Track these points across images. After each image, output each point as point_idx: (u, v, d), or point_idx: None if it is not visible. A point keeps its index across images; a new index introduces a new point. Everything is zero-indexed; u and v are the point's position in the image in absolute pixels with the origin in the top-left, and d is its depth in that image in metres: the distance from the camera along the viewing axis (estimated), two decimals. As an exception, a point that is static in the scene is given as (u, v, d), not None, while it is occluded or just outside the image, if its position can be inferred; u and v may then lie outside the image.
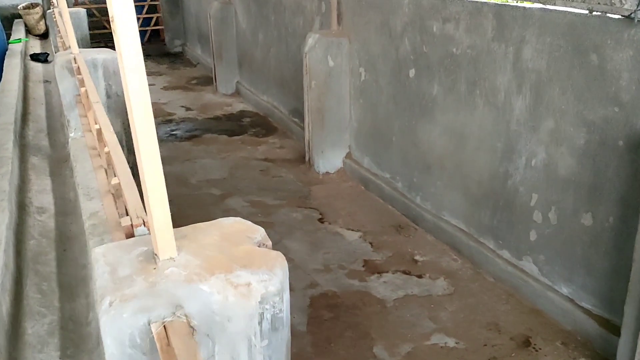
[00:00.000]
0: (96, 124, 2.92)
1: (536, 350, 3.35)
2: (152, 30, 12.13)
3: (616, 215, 3.12)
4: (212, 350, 1.53)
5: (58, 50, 6.98)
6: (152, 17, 12.01)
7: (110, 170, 2.58)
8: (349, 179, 5.77)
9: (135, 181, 2.21)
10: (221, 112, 8.16)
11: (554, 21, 3.29)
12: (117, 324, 1.42)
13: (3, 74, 6.56)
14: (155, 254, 1.61)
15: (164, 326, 1.42)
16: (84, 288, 3.06)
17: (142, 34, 12.11)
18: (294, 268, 4.23)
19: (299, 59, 6.64)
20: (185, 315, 1.46)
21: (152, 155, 1.47)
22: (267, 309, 1.56)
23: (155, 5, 11.94)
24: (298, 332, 3.52)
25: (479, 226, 4.16)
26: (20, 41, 8.28)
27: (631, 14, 2.83)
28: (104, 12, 11.68)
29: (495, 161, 3.91)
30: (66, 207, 4.05)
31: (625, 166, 3.03)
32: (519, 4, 3.55)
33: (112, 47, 11.69)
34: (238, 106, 8.41)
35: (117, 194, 2.19)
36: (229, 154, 6.57)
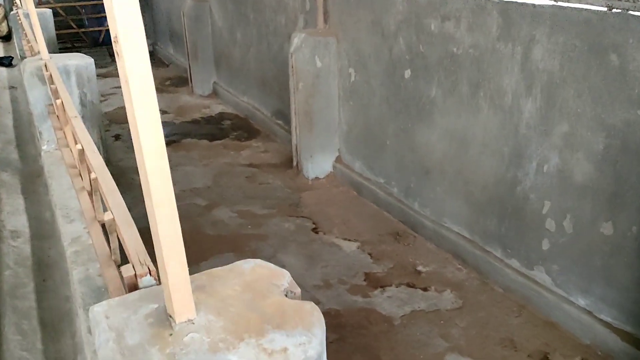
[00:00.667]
0: (76, 143, 2.61)
1: (556, 367, 3.18)
2: (121, 29, 11.67)
3: None
4: None
5: (23, 54, 6.56)
6: (121, 16, 11.53)
7: (96, 196, 2.28)
8: (339, 184, 5.53)
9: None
10: (199, 115, 7.83)
11: (568, 19, 3.09)
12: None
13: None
14: (170, 316, 1.34)
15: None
16: (68, 325, 2.76)
17: (106, 32, 11.64)
18: (292, 285, 3.98)
19: (281, 59, 6.36)
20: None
21: (167, 202, 1.21)
22: (307, 380, 1.31)
23: (124, 3, 11.47)
24: (303, 358, 3.27)
25: (484, 234, 3.96)
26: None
27: (656, 11, 2.65)
28: (69, 11, 11.18)
29: (501, 166, 3.72)
30: (42, 229, 3.72)
31: (648, 172, 2.86)
32: (527, 1, 3.35)
33: (79, 47, 11.22)
34: (217, 108, 8.08)
35: (110, 229, 1.91)
36: (212, 160, 6.27)
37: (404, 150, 4.66)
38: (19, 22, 6.74)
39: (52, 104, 3.96)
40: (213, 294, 1.44)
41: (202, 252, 4.34)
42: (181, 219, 1.26)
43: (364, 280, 4.04)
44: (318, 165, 5.58)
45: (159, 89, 9.21)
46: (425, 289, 3.90)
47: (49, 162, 4.10)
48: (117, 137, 6.95)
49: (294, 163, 5.74)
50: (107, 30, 11.53)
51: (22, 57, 6.69)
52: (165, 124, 7.53)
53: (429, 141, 4.35)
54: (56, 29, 8.85)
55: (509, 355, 3.28)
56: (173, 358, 1.25)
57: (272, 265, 1.61)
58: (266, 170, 5.97)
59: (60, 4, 11.01)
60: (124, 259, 2.09)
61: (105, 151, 4.89)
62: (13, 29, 8.37)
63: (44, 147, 4.32)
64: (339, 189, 5.47)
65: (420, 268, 4.14)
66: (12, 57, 7.84)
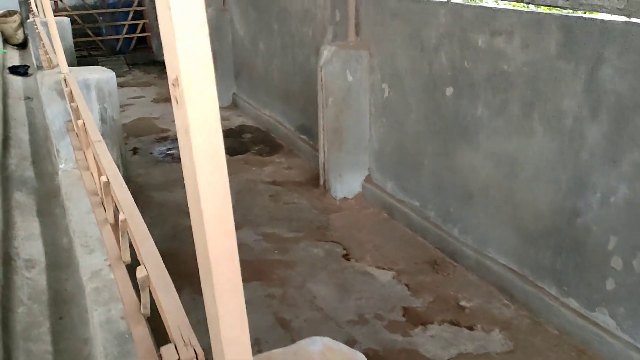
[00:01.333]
0: (99, 171, 2.33)
1: None
2: (138, 37, 11.48)
3: None
4: None
5: (40, 64, 6.33)
6: (138, 24, 11.35)
7: (124, 238, 2.00)
8: (369, 205, 5.22)
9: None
10: (219, 128, 7.55)
11: (644, 37, 2.78)
12: None
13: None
14: None
15: None
16: (88, 375, 2.47)
17: (129, 41, 11.46)
18: (325, 319, 3.68)
19: (306, 71, 6.08)
20: None
21: (235, 293, 0.91)
22: None
23: (142, 11, 11.29)
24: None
25: (536, 268, 3.64)
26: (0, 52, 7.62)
27: None
28: (87, 18, 11.00)
29: (558, 195, 3.40)
30: (59, 257, 3.43)
31: None
32: (594, 16, 3.04)
33: (97, 56, 10.92)
34: (236, 120, 7.82)
35: (142, 285, 1.62)
36: (233, 176, 5.98)
37: (443, 172, 4.35)
38: (36, 30, 6.51)
39: (71, 121, 3.71)
40: (279, 392, 1.15)
41: (227, 280, 4.04)
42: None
43: (403, 315, 3.72)
44: (347, 184, 5.28)
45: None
46: (470, 328, 3.58)
47: (66, 182, 3.84)
48: (134, 150, 6.69)
49: (321, 182, 5.44)
50: (125, 39, 11.34)
51: (39, 67, 6.46)
52: (184, 136, 7.27)
53: (472, 163, 4.04)
54: (73, 37, 8.65)
55: (571, 408, 2.96)
56: None
57: (344, 346, 1.31)
58: (291, 188, 5.68)
59: (77, 12, 10.83)
60: (154, 311, 1.80)
61: (124, 169, 4.62)
62: (30, 37, 8.17)
63: (62, 166, 4.06)
64: (369, 211, 5.16)
65: (463, 303, 3.82)
66: (28, 66, 7.62)
